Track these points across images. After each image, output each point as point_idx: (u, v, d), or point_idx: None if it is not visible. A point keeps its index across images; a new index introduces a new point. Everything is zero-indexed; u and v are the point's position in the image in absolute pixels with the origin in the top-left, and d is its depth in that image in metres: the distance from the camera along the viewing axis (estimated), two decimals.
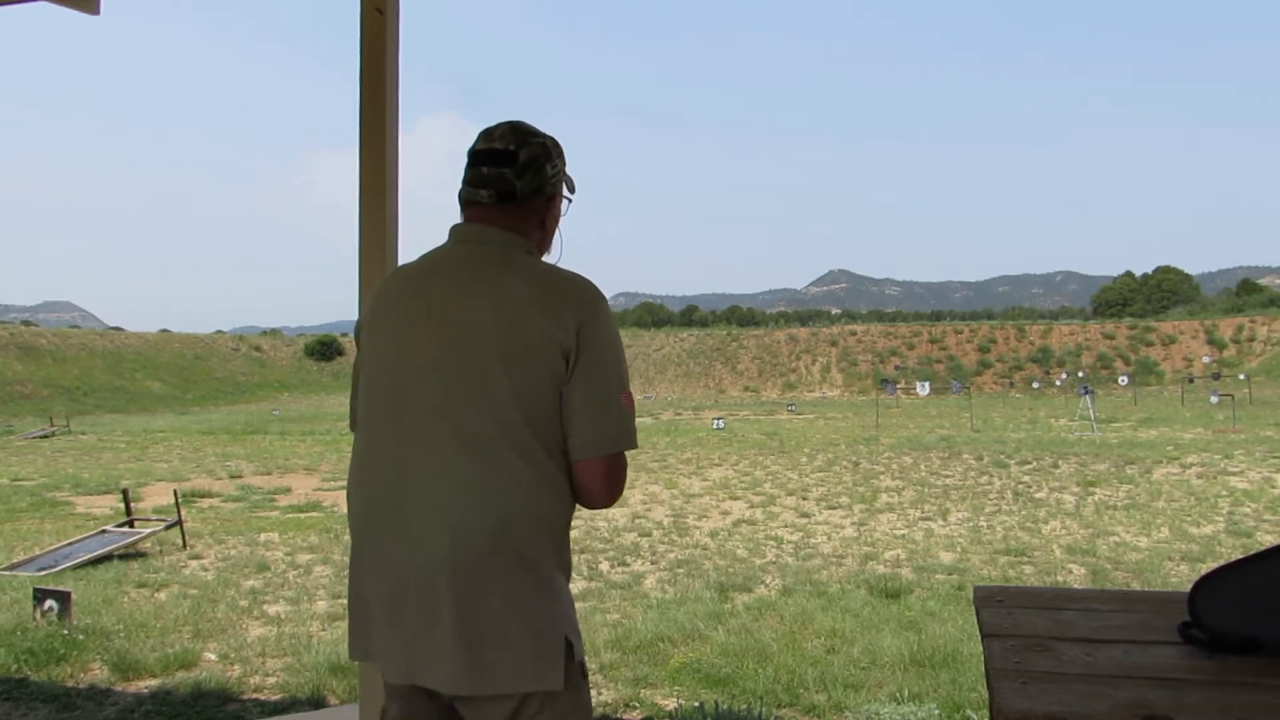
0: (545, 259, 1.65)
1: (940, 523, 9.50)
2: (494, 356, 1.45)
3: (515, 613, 1.43)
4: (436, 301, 1.52)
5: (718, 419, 24.82)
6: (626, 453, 1.53)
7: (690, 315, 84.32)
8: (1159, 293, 69.49)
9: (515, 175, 1.56)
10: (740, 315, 78.45)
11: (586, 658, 1.64)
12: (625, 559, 7.86)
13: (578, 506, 1.55)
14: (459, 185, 1.63)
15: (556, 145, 1.63)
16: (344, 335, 61.74)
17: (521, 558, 1.44)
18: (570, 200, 1.69)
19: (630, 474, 1.63)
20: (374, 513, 1.51)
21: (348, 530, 1.63)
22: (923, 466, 14.47)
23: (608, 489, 1.51)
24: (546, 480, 1.46)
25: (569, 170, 1.69)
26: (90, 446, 21.63)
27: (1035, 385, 42.18)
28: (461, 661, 1.41)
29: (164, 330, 61.99)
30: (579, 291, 1.51)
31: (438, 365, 1.48)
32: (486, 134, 1.60)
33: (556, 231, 1.68)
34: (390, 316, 1.56)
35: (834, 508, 10.67)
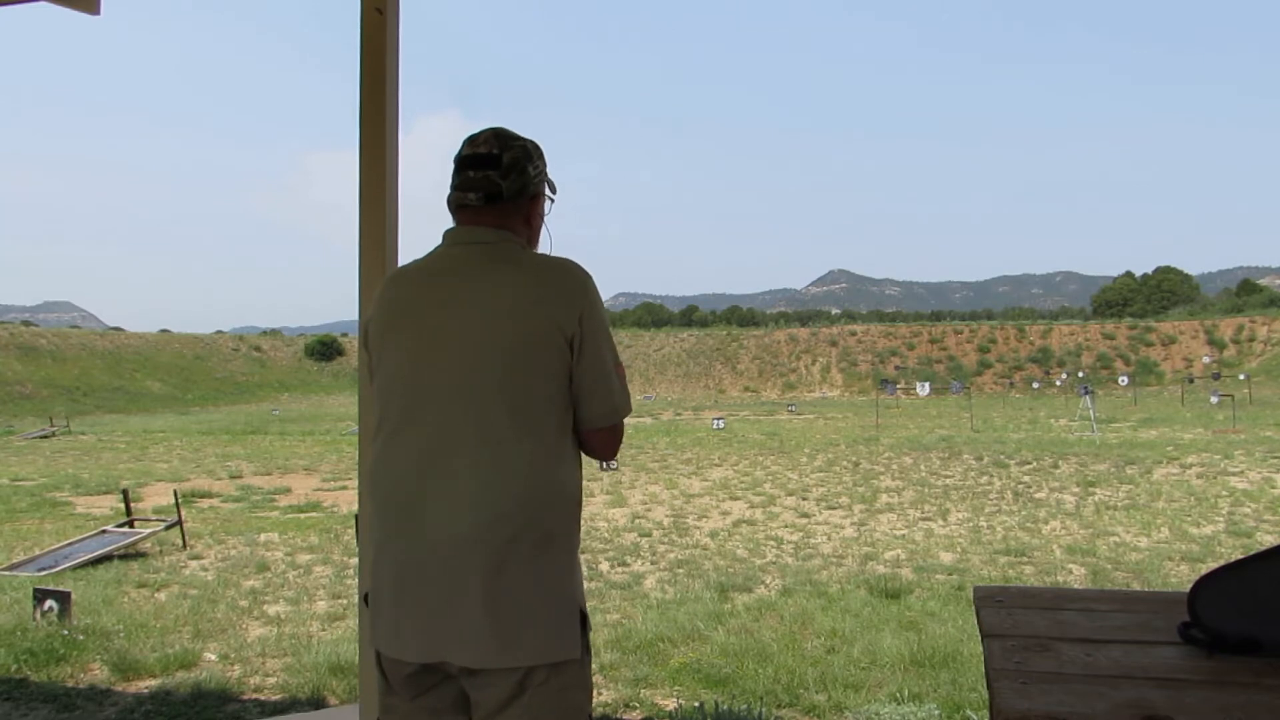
0: None
1: (940, 523, 9.50)
2: (499, 347, 1.55)
3: (537, 587, 1.53)
4: (440, 302, 1.61)
5: (718, 419, 24.81)
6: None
7: (690, 315, 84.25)
8: (1159, 293, 69.42)
9: (500, 177, 1.66)
10: (740, 315, 78.39)
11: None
12: (625, 559, 7.86)
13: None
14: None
15: (538, 148, 1.74)
16: (344, 335, 61.65)
17: (540, 534, 1.54)
18: (553, 200, 1.80)
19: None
20: (396, 504, 1.58)
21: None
22: (923, 467, 14.47)
23: (613, 448, 1.72)
24: (558, 457, 1.58)
25: (551, 173, 1.79)
26: (90, 447, 21.63)
27: (1035, 385, 42.16)
28: (489, 635, 1.49)
29: (164, 330, 62.02)
30: (574, 281, 1.62)
31: (448, 361, 1.57)
32: (471, 140, 1.70)
33: (543, 229, 1.80)
34: (397, 320, 1.65)
35: (834, 508, 10.67)
